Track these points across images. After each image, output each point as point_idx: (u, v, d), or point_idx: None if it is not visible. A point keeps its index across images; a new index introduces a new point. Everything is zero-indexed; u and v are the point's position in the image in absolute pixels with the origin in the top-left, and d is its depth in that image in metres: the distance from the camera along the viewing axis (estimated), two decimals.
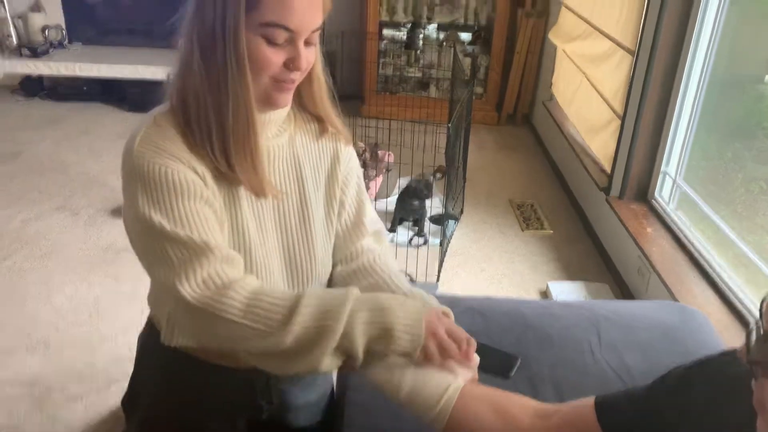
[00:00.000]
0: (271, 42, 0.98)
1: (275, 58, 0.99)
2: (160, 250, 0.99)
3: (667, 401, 0.87)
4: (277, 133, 1.13)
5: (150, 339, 1.30)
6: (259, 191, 1.08)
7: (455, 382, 1.01)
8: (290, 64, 1.00)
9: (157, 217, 0.98)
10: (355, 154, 1.29)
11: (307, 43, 1.02)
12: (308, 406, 1.43)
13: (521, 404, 1.02)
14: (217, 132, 1.02)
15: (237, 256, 1.04)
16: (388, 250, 1.32)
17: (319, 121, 1.20)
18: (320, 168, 1.21)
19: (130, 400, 1.41)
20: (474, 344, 1.05)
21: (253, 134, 1.03)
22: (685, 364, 0.89)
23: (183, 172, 1.00)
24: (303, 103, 1.17)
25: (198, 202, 1.01)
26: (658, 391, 0.89)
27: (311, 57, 1.04)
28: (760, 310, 0.62)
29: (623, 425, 0.91)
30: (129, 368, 1.37)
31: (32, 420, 2.09)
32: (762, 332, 0.62)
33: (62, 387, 2.22)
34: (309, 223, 1.18)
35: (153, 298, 1.22)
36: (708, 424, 0.80)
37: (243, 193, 1.08)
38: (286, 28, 0.97)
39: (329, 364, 0.99)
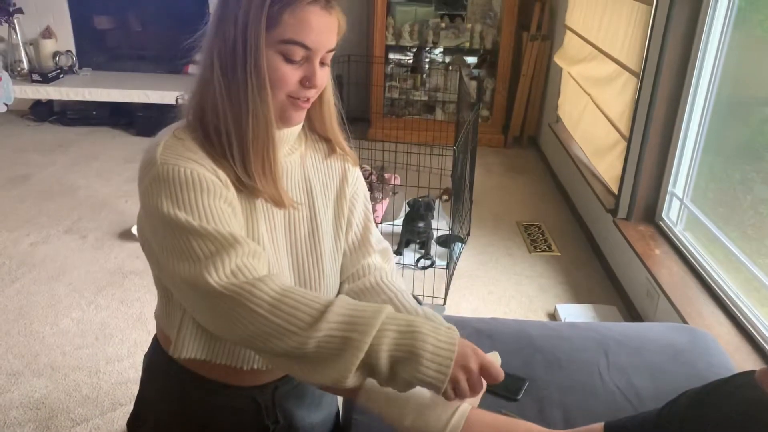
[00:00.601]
0: (288, 59, 1.01)
1: (292, 75, 1.02)
2: (186, 245, 0.98)
3: (679, 427, 0.85)
4: (290, 151, 1.16)
5: (156, 358, 1.29)
6: (278, 202, 1.09)
7: (461, 407, 0.99)
8: (306, 82, 1.04)
9: (183, 215, 0.98)
10: (361, 175, 1.31)
11: (322, 63, 1.05)
12: (314, 427, 1.42)
13: (527, 430, 1.00)
14: (237, 146, 1.04)
15: (262, 252, 1.04)
16: (395, 269, 1.32)
17: (328, 141, 1.23)
18: (329, 187, 1.23)
19: (135, 420, 1.40)
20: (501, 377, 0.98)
21: (272, 148, 1.05)
22: (696, 388, 0.87)
23: (206, 174, 1.01)
24: (312, 125, 1.20)
25: (221, 200, 1.02)
26: (669, 416, 0.88)
27: (325, 77, 1.07)
28: None
29: None
30: (134, 391, 1.37)
31: None
32: None
33: (67, 410, 2.21)
34: (318, 239, 1.20)
35: (162, 312, 1.21)
36: None
37: (259, 206, 1.10)
38: (304, 46, 1.00)
39: (353, 380, 0.94)
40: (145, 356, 1.36)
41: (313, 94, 1.07)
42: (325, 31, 1.02)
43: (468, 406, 1.00)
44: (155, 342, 1.30)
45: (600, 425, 0.95)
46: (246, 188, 1.06)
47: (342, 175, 1.25)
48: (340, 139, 1.22)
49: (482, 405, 1.55)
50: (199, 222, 0.98)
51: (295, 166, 1.17)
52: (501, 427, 1.00)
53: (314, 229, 1.19)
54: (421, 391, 1.00)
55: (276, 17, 0.98)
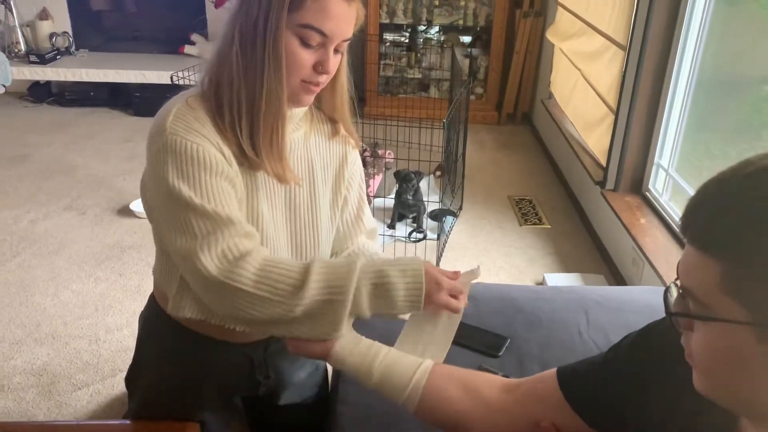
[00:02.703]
0: (305, 43, 1.05)
1: (307, 58, 1.06)
2: (185, 220, 1.05)
3: (621, 366, 0.90)
4: (295, 128, 1.20)
5: (152, 315, 1.36)
6: (282, 177, 1.15)
7: (424, 363, 1.05)
8: (319, 67, 1.08)
9: (186, 189, 1.04)
10: (359, 158, 1.37)
11: (336, 50, 1.09)
12: (303, 384, 1.49)
13: (488, 380, 1.05)
14: (248, 120, 1.09)
15: (255, 232, 1.11)
16: (378, 247, 1.42)
17: (333, 122, 1.28)
18: (329, 166, 1.28)
19: (132, 377, 1.46)
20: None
21: (282, 125, 1.11)
22: (636, 331, 0.93)
23: (211, 151, 1.07)
24: (321, 106, 1.25)
25: (222, 179, 1.08)
26: (614, 357, 0.93)
27: (338, 64, 1.12)
28: (677, 269, 0.67)
29: (583, 391, 0.94)
30: None
31: (40, 406, 2.15)
32: (680, 289, 0.67)
33: (69, 376, 2.29)
34: (316, 214, 1.26)
35: (161, 270, 1.26)
36: (656, 386, 0.84)
37: (260, 179, 1.15)
38: (321, 32, 1.04)
39: (342, 328, 1.06)
40: (141, 314, 1.42)
41: (324, 79, 1.11)
42: (343, 20, 1.05)
43: (430, 362, 1.06)
44: (152, 300, 1.36)
45: (553, 370, 1.00)
46: (249, 162, 1.11)
47: (342, 157, 1.30)
48: (347, 123, 1.27)
49: (464, 361, 1.62)
50: (200, 200, 1.04)
51: (299, 143, 1.22)
52: (462, 378, 1.04)
53: (313, 204, 1.25)
54: (387, 349, 1.07)
55: (299, 1, 1.02)
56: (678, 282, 0.67)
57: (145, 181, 1.15)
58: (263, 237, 1.17)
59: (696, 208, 0.64)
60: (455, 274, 1.13)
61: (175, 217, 1.06)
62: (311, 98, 1.13)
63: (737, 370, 0.62)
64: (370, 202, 3.46)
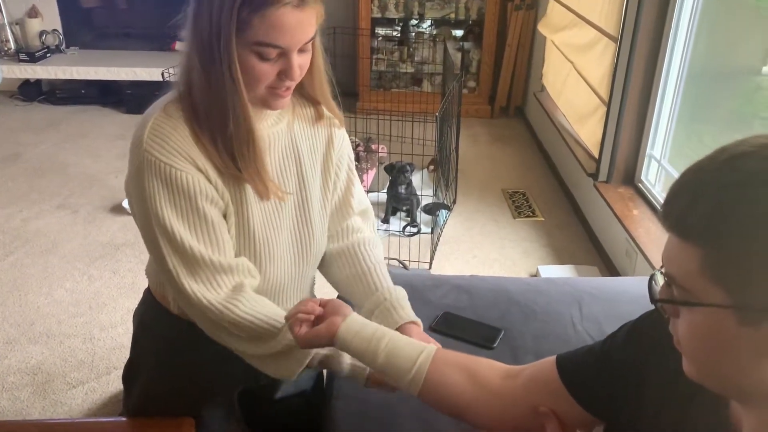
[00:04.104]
0: (263, 58, 1.03)
1: (268, 71, 1.05)
2: (165, 253, 1.09)
3: (618, 355, 0.91)
4: (276, 121, 1.20)
5: (148, 312, 1.36)
6: (262, 193, 1.14)
7: (428, 348, 1.06)
8: (283, 76, 1.06)
9: (163, 214, 1.06)
10: (347, 136, 1.36)
11: (302, 50, 1.07)
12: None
13: (490, 366, 1.06)
14: (219, 136, 1.08)
15: (236, 264, 1.14)
16: (375, 230, 1.41)
17: (316, 105, 1.27)
18: (316, 150, 1.28)
19: (130, 374, 1.46)
20: None
21: (252, 142, 1.09)
22: (633, 320, 0.94)
23: (187, 172, 1.06)
24: (302, 90, 1.23)
25: (202, 201, 1.08)
26: (610, 347, 0.94)
27: (306, 61, 1.09)
28: (662, 256, 0.68)
29: (581, 379, 0.95)
30: (128, 354, 1.43)
31: (35, 405, 2.15)
32: (665, 276, 0.68)
33: (63, 374, 2.28)
34: (307, 202, 1.26)
35: (153, 269, 1.28)
36: (652, 373, 0.85)
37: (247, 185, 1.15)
38: (276, 46, 1.02)
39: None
40: (136, 312, 1.41)
41: (292, 83, 1.09)
42: (298, 29, 1.02)
43: (434, 347, 1.07)
44: (147, 296, 1.36)
45: (553, 357, 1.01)
46: (229, 171, 1.11)
47: (328, 139, 1.29)
48: (329, 102, 1.26)
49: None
50: (179, 229, 1.07)
51: (282, 135, 1.21)
52: (464, 363, 1.05)
53: (303, 192, 1.25)
54: (392, 333, 1.08)
55: (246, 21, 0.99)
56: (663, 270, 0.68)
57: (128, 185, 1.15)
58: (257, 235, 1.18)
59: (674, 196, 0.65)
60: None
61: (155, 243, 1.09)
62: (284, 102, 1.12)
63: (722, 354, 0.64)
64: None
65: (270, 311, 1.15)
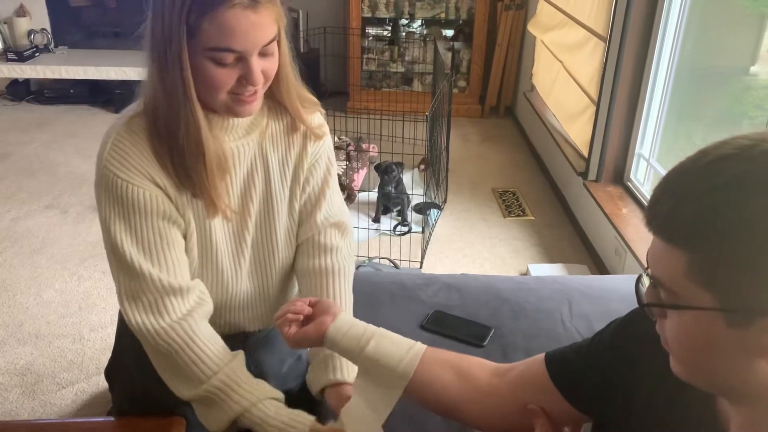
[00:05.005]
0: (219, 63, 0.99)
1: (227, 77, 1.01)
2: (115, 268, 1.09)
3: (606, 352, 0.92)
4: (245, 133, 1.16)
5: None
6: (211, 210, 1.11)
7: (416, 346, 1.06)
8: (243, 80, 1.02)
9: (114, 228, 1.06)
10: (326, 146, 1.29)
11: (263, 54, 1.02)
12: (285, 376, 1.48)
13: (479, 365, 1.07)
14: (175, 149, 1.05)
15: (187, 287, 1.12)
16: (350, 245, 1.34)
17: (291, 116, 1.22)
18: (287, 162, 1.23)
19: (112, 371, 1.46)
20: None
21: (202, 154, 1.05)
22: (620, 317, 0.94)
23: (145, 188, 1.05)
24: (274, 96, 1.19)
25: (157, 219, 1.07)
26: (599, 344, 0.94)
27: (271, 66, 1.05)
28: (647, 258, 0.68)
29: (570, 376, 0.95)
30: None
31: (24, 406, 2.14)
32: (651, 278, 0.68)
33: (53, 375, 2.27)
34: (273, 218, 1.23)
35: None
36: (640, 370, 0.85)
37: None
38: (232, 50, 0.98)
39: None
40: (119, 311, 1.41)
41: (257, 88, 1.05)
42: (252, 31, 0.98)
43: (423, 345, 1.07)
44: None
45: (542, 355, 1.01)
46: (185, 186, 1.09)
47: (301, 147, 1.24)
48: (300, 115, 1.20)
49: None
50: (129, 249, 1.06)
51: (250, 147, 1.17)
52: (453, 361, 1.06)
53: (269, 206, 1.22)
54: (381, 332, 1.08)
55: (195, 26, 0.96)
56: (649, 271, 0.68)
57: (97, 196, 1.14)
58: (219, 251, 1.18)
59: (658, 200, 0.65)
60: None
61: (108, 255, 1.09)
62: (252, 107, 1.07)
63: (710, 355, 0.64)
64: (354, 197, 3.47)
65: (209, 350, 1.14)
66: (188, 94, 1.00)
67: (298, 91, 1.18)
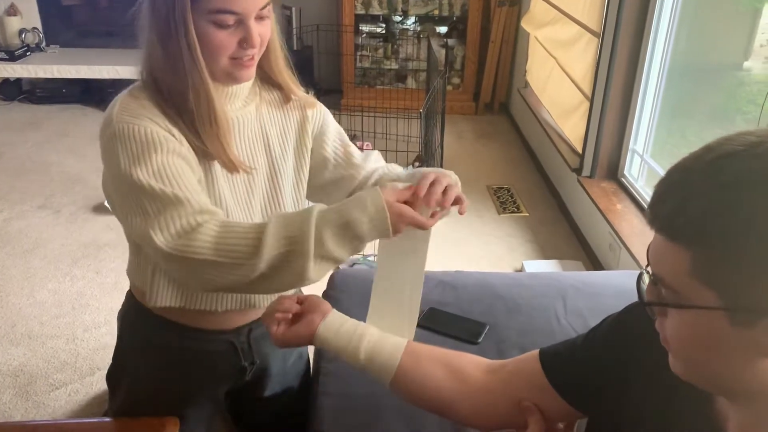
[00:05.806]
0: (221, 26, 1.04)
1: (228, 40, 1.06)
2: (137, 202, 1.04)
3: (601, 347, 0.91)
4: (244, 104, 1.19)
5: (131, 312, 1.34)
6: (230, 167, 1.14)
7: (397, 339, 1.06)
8: (243, 43, 1.07)
9: (136, 172, 1.03)
10: (325, 112, 1.33)
11: (259, 17, 1.07)
12: (286, 372, 1.48)
13: (472, 362, 1.06)
14: (184, 112, 1.08)
15: (211, 208, 1.08)
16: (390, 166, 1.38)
17: (281, 89, 1.25)
18: (288, 133, 1.26)
19: (114, 375, 1.44)
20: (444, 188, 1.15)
21: (214, 113, 1.09)
22: (615, 313, 0.94)
23: (158, 131, 1.06)
24: (263, 74, 1.23)
25: (173, 156, 1.07)
26: (593, 339, 0.94)
27: (265, 31, 1.10)
28: (647, 255, 0.67)
29: (564, 372, 0.95)
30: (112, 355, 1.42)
31: (17, 407, 2.12)
32: (651, 276, 0.67)
33: (46, 376, 2.26)
34: (279, 188, 1.24)
35: (133, 267, 1.26)
36: (635, 366, 0.85)
37: (217, 164, 1.14)
38: (233, 12, 1.03)
39: (314, 275, 1.04)
40: (119, 313, 1.40)
41: (255, 52, 1.10)
42: None
43: (404, 340, 1.06)
44: (129, 297, 1.34)
45: (536, 351, 1.01)
46: (199, 149, 1.11)
47: (301, 118, 1.27)
48: (290, 84, 1.25)
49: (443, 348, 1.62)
50: (148, 180, 1.03)
51: (250, 118, 1.20)
52: (446, 359, 1.05)
53: (273, 177, 1.24)
54: (372, 330, 1.07)
55: None
56: (649, 269, 0.68)
57: (105, 180, 1.14)
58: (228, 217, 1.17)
59: (661, 197, 0.64)
60: (414, 193, 1.10)
61: (128, 202, 1.06)
62: (249, 72, 1.12)
63: (712, 353, 0.63)
64: None
65: (250, 225, 1.06)
66: (195, 57, 1.04)
67: (286, 63, 1.23)
